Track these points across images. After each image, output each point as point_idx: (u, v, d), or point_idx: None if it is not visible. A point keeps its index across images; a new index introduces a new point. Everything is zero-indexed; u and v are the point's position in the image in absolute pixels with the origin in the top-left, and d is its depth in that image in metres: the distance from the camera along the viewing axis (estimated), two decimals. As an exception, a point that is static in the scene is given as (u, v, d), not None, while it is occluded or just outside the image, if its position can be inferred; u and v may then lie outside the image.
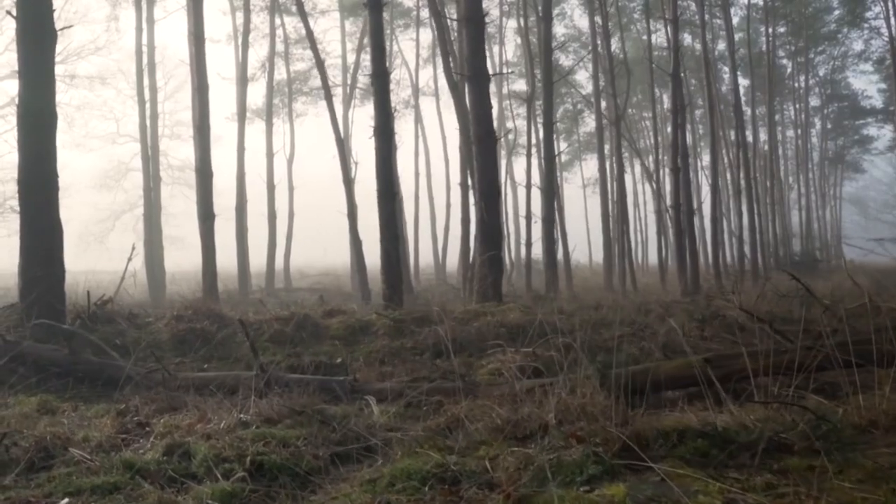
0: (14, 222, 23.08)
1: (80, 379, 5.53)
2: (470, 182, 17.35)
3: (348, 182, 15.11)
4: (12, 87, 33.07)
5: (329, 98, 14.76)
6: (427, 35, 31.11)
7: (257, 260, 24.32)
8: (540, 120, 27.43)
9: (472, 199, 18.02)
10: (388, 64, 9.34)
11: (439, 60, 32.63)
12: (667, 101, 37.81)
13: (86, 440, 3.25)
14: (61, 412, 4.29)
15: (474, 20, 9.64)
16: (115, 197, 42.01)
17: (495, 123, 18.33)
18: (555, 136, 22.28)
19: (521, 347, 6.59)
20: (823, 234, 45.77)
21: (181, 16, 21.98)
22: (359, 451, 3.21)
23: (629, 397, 3.68)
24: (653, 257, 36.48)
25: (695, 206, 21.79)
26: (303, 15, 14.53)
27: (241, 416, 3.52)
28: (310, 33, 14.77)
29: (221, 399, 4.79)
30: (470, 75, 9.64)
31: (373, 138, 8.68)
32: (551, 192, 17.23)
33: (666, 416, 3.53)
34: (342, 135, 28.81)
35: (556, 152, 19.14)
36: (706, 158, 35.90)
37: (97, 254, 33.99)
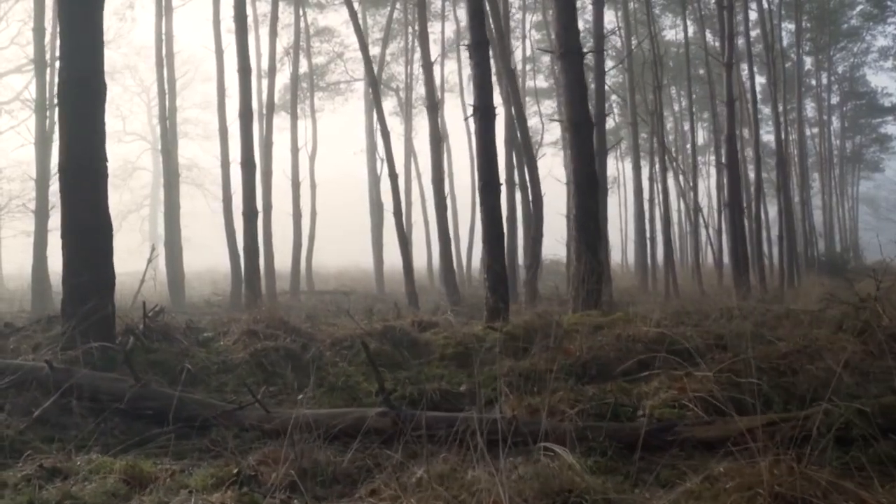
0: (23, 222, 21.81)
1: (152, 418, 4.28)
2: (517, 178, 16.16)
3: (393, 177, 13.86)
4: (18, 82, 31.68)
5: (375, 85, 13.48)
6: (450, 26, 29.85)
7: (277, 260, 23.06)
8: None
9: (517, 197, 16.84)
10: (487, 31, 8.07)
11: (465, 54, 31.61)
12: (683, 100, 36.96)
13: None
14: (158, 483, 3.03)
15: (566, -9, 8.42)
16: (121, 197, 40.71)
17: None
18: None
19: (677, 368, 5.37)
20: (844, 234, 44.74)
21: (194, 5, 20.72)
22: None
23: None
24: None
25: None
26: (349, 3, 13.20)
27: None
28: (353, 14, 13.48)
29: (356, 447, 3.55)
30: (562, 52, 8.39)
31: (471, 118, 7.41)
32: (603, 189, 16.00)
33: None
34: (370, 129, 27.61)
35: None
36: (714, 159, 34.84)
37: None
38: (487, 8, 11.49)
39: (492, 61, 9.09)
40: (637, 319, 7.36)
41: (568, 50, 8.38)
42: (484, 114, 7.33)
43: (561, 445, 3.84)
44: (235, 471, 3.21)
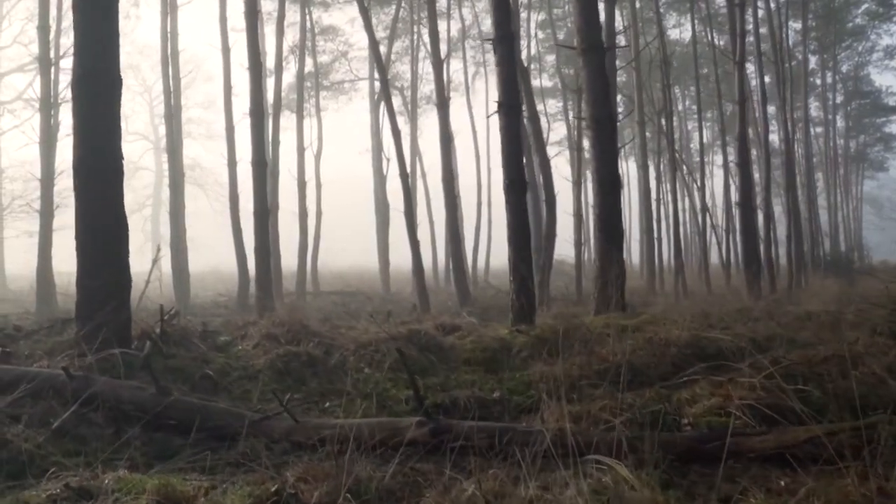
0: (26, 222, 21.61)
1: (174, 429, 4.06)
2: (526, 177, 15.90)
3: (404, 176, 13.62)
4: (20, 82, 31.53)
5: (385, 82, 13.25)
6: (455, 25, 29.63)
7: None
8: (572, 113, 26.10)
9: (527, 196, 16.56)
10: (512, 25, 7.83)
11: (469, 53, 31.41)
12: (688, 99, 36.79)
13: None
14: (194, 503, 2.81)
15: (587, -16, 8.19)
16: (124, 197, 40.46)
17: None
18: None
19: (717, 373, 5.16)
20: (848, 233, 44.54)
21: (197, 3, 20.47)
22: None
23: None
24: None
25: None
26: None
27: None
28: (363, 10, 13.26)
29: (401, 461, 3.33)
30: (584, 48, 8.18)
31: (496, 115, 7.18)
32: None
33: None
34: (375, 129, 27.40)
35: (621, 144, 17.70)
36: (718, 159, 34.72)
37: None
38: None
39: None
40: (666, 322, 7.15)
41: (590, 46, 8.16)
42: (509, 110, 7.10)
43: (611, 457, 3.62)
44: (274, 488, 2.99)
